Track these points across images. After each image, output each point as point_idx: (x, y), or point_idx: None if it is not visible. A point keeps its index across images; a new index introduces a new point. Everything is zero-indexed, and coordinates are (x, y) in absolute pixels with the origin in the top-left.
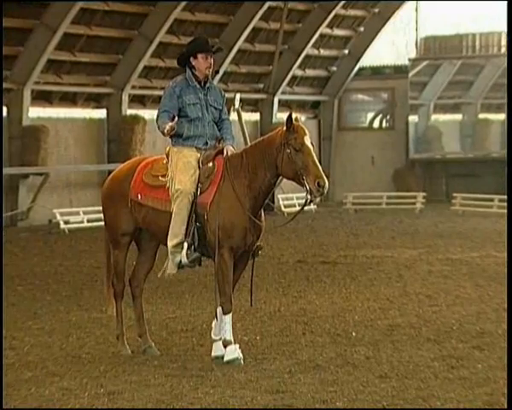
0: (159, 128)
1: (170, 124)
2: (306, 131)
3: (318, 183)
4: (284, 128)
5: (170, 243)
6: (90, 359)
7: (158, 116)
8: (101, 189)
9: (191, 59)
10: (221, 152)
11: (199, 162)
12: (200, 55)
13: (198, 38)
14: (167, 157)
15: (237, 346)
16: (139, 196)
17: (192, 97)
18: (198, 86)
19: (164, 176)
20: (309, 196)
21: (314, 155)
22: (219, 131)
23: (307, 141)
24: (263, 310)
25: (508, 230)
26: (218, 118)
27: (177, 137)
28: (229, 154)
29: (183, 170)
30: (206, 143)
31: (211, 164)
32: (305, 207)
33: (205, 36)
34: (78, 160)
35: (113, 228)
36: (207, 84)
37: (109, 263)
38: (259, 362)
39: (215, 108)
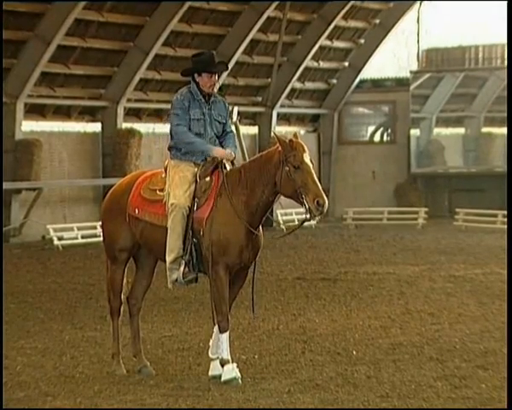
0: (186, 144)
1: (220, 151)
2: (305, 148)
3: (318, 201)
4: (280, 147)
5: (168, 259)
6: (84, 378)
7: (180, 132)
8: (95, 204)
9: (195, 75)
10: (218, 166)
11: (196, 177)
12: (204, 74)
13: (204, 54)
14: (165, 171)
15: (235, 365)
16: (136, 210)
17: (197, 112)
18: (203, 100)
19: (161, 190)
20: (308, 216)
21: (313, 172)
22: (221, 143)
23: (306, 158)
24: (261, 328)
25: (508, 246)
26: (222, 131)
27: (175, 150)
28: (229, 157)
29: (178, 184)
30: (205, 159)
31: (208, 179)
32: (305, 223)
33: (211, 52)
34: (72, 174)
35: (110, 243)
36: (212, 98)
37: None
38: (258, 381)
39: (219, 123)
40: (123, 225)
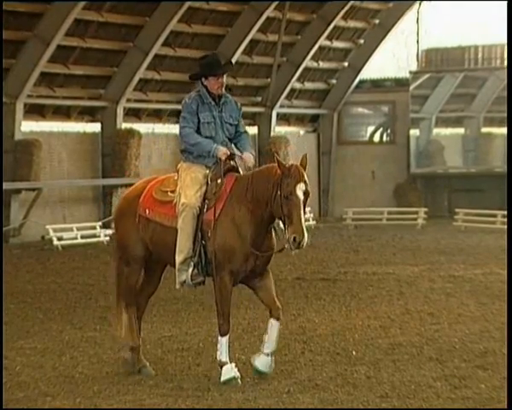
0: (191, 145)
1: (223, 150)
2: (303, 177)
3: (294, 238)
4: (279, 171)
5: (177, 259)
6: (83, 379)
7: (186, 134)
8: (95, 204)
9: (202, 79)
10: (231, 169)
11: (207, 178)
12: (211, 77)
13: (208, 57)
14: (177, 173)
15: (233, 365)
16: (147, 211)
17: (207, 115)
18: (213, 103)
19: (173, 191)
20: (286, 246)
21: (301, 206)
22: (236, 144)
23: (299, 190)
24: (261, 328)
25: (508, 247)
26: (235, 133)
27: (188, 153)
28: (249, 163)
29: (189, 185)
30: (217, 162)
31: (219, 181)
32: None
33: (216, 54)
34: (72, 174)
35: (123, 248)
36: (222, 100)
37: (119, 281)
38: (257, 382)
39: (230, 125)
40: (134, 227)
